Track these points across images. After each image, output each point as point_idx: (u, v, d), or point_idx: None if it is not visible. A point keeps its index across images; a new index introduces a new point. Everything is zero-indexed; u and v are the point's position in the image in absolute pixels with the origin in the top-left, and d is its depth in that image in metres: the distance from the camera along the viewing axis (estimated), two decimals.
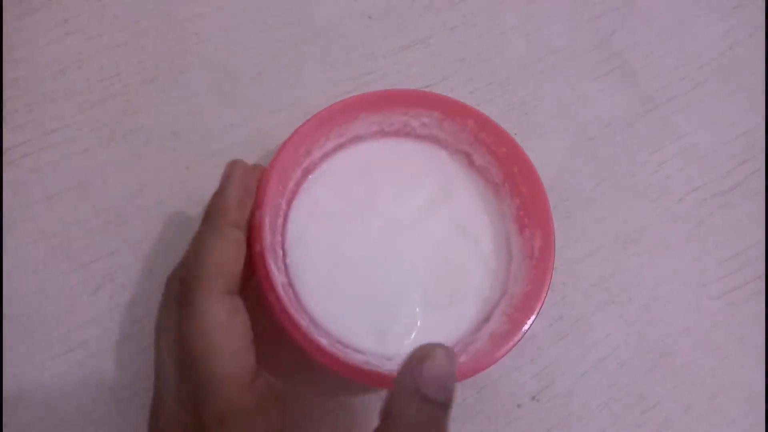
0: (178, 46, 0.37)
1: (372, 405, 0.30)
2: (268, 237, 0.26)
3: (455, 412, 0.23)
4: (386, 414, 0.20)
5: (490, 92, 0.30)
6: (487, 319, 0.29)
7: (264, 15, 0.38)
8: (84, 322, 0.30)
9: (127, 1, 0.37)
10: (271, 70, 0.37)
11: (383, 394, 0.31)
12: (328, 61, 0.37)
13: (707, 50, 0.41)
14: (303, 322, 0.25)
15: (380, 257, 0.29)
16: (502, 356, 0.26)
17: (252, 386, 0.22)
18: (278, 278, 0.26)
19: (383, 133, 0.32)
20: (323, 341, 0.25)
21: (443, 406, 0.19)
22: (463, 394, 0.31)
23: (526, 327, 0.26)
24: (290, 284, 0.28)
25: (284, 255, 0.29)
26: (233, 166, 0.26)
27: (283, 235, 0.29)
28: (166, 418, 0.22)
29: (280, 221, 0.29)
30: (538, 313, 0.27)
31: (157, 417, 0.23)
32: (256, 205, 0.26)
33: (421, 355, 0.20)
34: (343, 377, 0.24)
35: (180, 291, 0.23)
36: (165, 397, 0.23)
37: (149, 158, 0.34)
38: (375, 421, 0.30)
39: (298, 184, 0.30)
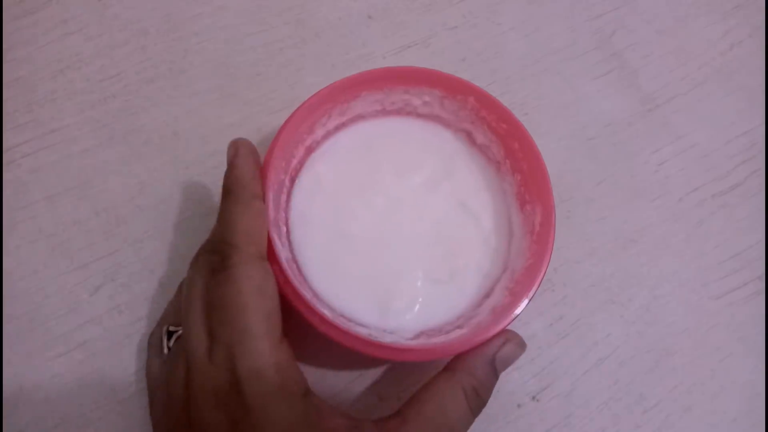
0: (178, 46, 0.37)
1: (373, 405, 0.31)
2: (272, 212, 0.26)
3: None
4: (455, 366, 0.26)
5: (490, 92, 0.30)
6: (488, 295, 0.29)
7: (264, 15, 0.38)
8: (84, 322, 0.30)
9: (127, 1, 0.37)
10: (271, 70, 0.37)
11: (383, 394, 0.31)
12: (328, 61, 0.37)
13: (707, 50, 0.41)
14: (307, 295, 0.25)
15: (382, 234, 0.30)
16: (503, 329, 0.26)
17: (282, 345, 0.23)
18: (282, 252, 0.26)
19: (385, 112, 0.32)
20: (327, 314, 0.25)
21: (498, 376, 0.26)
22: None
23: (525, 300, 0.26)
24: (294, 260, 0.28)
25: (287, 231, 0.29)
26: (238, 143, 0.27)
27: (286, 211, 0.29)
28: (200, 379, 0.23)
29: (283, 198, 0.29)
30: (538, 287, 0.27)
31: (190, 381, 0.23)
32: None
33: (507, 338, 0.26)
34: (346, 349, 0.25)
35: (215, 260, 0.24)
36: (197, 363, 0.23)
37: (149, 158, 0.34)
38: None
39: (301, 162, 0.31)
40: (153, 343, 0.28)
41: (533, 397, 0.32)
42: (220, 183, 0.30)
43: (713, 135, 0.39)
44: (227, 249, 0.24)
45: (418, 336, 0.28)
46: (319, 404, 0.23)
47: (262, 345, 0.22)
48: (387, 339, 0.26)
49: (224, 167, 0.34)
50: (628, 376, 0.33)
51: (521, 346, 0.27)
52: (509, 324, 0.26)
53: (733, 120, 0.39)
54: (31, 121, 0.34)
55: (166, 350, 0.26)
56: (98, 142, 0.34)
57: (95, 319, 0.30)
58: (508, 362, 0.26)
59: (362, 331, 0.26)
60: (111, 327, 0.30)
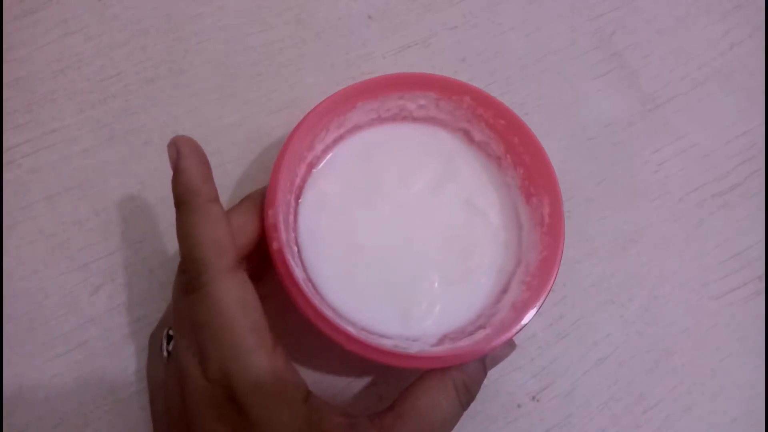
0: (178, 46, 0.37)
1: (372, 405, 0.30)
2: (283, 234, 0.26)
3: None
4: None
5: (490, 92, 0.30)
6: (505, 290, 0.29)
7: (264, 15, 0.38)
8: (84, 322, 0.30)
9: (127, 1, 0.37)
10: (271, 70, 0.37)
11: (383, 393, 0.31)
12: (328, 61, 0.37)
13: (707, 50, 0.41)
14: (328, 314, 0.25)
15: (393, 242, 0.30)
16: (527, 323, 0.26)
17: (275, 352, 0.23)
18: (298, 273, 0.26)
19: (380, 120, 0.32)
20: (351, 330, 0.25)
21: (486, 373, 0.27)
22: None
23: (544, 294, 0.27)
24: (309, 279, 0.28)
25: (299, 251, 0.29)
26: (178, 142, 0.24)
27: (294, 231, 0.29)
28: (197, 395, 0.22)
29: (291, 218, 0.29)
30: (554, 280, 0.27)
31: (187, 397, 0.23)
32: (269, 204, 0.26)
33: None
34: (375, 363, 0.25)
35: (184, 279, 0.23)
36: (191, 378, 0.23)
37: (149, 158, 0.34)
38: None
39: (304, 180, 0.30)
40: (153, 345, 0.28)
41: (533, 397, 0.32)
42: (221, 184, 0.30)
43: (713, 135, 0.39)
44: (196, 266, 0.22)
45: (441, 340, 0.28)
46: (319, 406, 0.23)
47: (256, 358, 0.22)
48: (413, 348, 0.26)
49: (225, 168, 0.34)
50: (628, 376, 0.33)
51: (510, 345, 0.28)
52: (532, 318, 0.26)
53: (733, 120, 0.39)
54: (31, 121, 0.34)
55: (165, 354, 0.26)
56: (98, 142, 0.34)
57: (95, 319, 0.30)
58: (497, 360, 0.28)
59: (387, 343, 0.26)
60: (111, 327, 0.30)
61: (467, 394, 0.26)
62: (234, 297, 0.22)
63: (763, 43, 0.42)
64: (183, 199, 0.24)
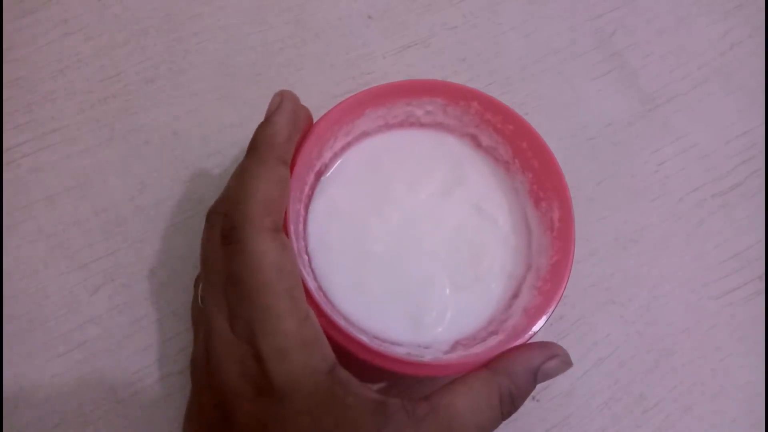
0: (178, 46, 0.37)
1: None
2: (295, 243, 0.26)
3: None
4: (496, 366, 0.25)
5: (490, 92, 0.30)
6: (516, 295, 0.29)
7: (264, 15, 0.38)
8: (84, 322, 0.30)
9: (127, 1, 0.37)
10: (271, 70, 0.37)
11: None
12: (328, 61, 0.37)
13: (707, 50, 0.41)
14: (341, 323, 0.25)
15: (403, 249, 0.30)
16: (539, 328, 0.26)
17: (306, 322, 0.22)
18: (310, 282, 0.26)
19: (388, 126, 0.32)
20: (364, 338, 0.25)
21: (535, 385, 0.25)
22: None
23: (557, 298, 0.27)
24: (320, 288, 0.28)
25: (309, 260, 0.29)
26: (284, 96, 0.25)
27: (305, 240, 0.29)
28: (222, 349, 0.22)
29: (300, 227, 0.29)
30: (566, 284, 0.27)
31: (211, 349, 0.22)
32: None
33: (553, 353, 0.26)
34: (389, 371, 0.24)
35: (225, 227, 0.22)
36: (218, 330, 0.22)
37: (149, 158, 0.34)
38: None
39: (312, 188, 0.30)
40: (195, 289, 0.27)
41: (533, 397, 0.32)
42: (221, 183, 0.30)
43: (713, 135, 0.39)
44: (239, 217, 0.22)
45: (454, 347, 0.28)
46: (345, 379, 0.22)
47: (285, 325, 0.21)
48: (426, 356, 0.26)
49: (225, 168, 0.34)
50: (628, 376, 0.33)
51: (567, 363, 0.26)
52: (545, 323, 0.26)
53: (733, 120, 0.39)
54: (31, 121, 0.34)
55: (200, 301, 0.25)
56: (98, 142, 0.34)
57: (95, 319, 0.30)
58: (549, 376, 0.26)
59: (400, 351, 0.26)
60: (111, 327, 0.30)
61: (511, 405, 0.24)
62: (272, 259, 0.22)
63: (763, 43, 0.42)
64: (257, 147, 0.24)
